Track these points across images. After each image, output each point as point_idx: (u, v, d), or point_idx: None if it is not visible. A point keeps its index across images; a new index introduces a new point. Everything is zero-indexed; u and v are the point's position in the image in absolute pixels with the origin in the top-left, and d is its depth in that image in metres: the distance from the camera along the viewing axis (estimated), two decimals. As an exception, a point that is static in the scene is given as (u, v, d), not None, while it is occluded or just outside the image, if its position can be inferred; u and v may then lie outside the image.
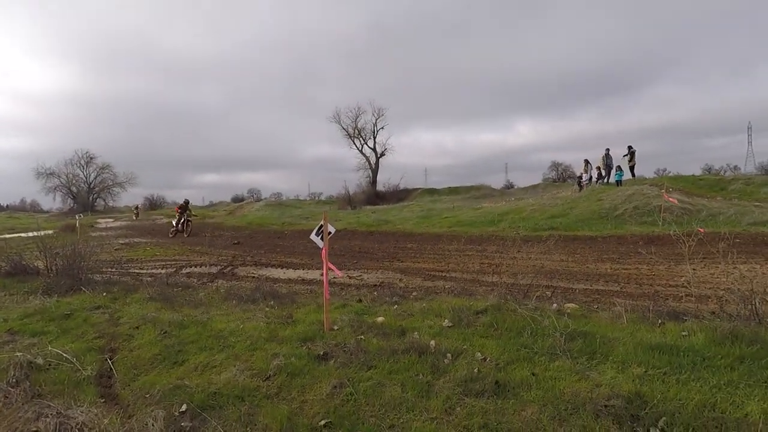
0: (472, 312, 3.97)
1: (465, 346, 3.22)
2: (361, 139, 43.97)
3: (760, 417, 2.05)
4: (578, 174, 22.72)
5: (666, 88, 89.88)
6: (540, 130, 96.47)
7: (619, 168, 19.58)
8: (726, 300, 3.78)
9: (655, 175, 35.68)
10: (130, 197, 57.65)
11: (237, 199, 55.75)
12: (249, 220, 24.58)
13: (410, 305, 4.60)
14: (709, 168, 43.52)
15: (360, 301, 5.08)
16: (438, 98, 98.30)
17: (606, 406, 2.23)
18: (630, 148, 19.88)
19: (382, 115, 43.17)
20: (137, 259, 10.53)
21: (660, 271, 6.52)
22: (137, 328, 4.22)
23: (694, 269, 5.91)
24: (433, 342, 3.27)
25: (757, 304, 3.48)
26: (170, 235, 18.74)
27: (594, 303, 4.79)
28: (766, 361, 2.66)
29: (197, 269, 8.73)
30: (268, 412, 2.56)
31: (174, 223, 19.32)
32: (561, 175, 45.51)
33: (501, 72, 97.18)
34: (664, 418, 2.12)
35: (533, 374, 2.72)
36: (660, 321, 3.60)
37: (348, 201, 33.26)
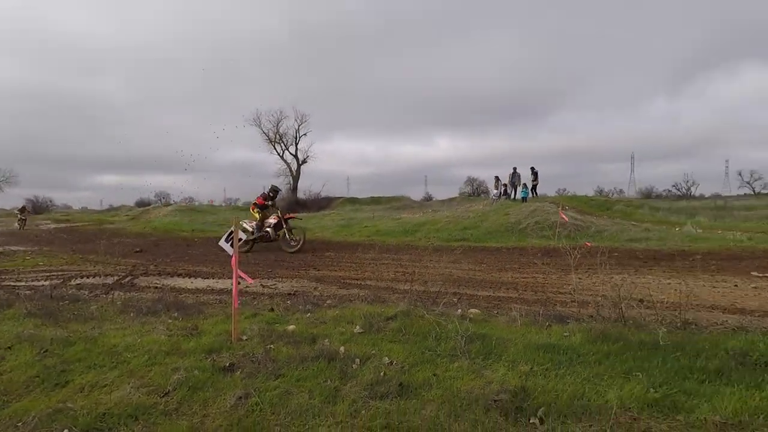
0: (383, 318, 4.10)
1: (373, 351, 3.32)
2: (282, 144, 42.99)
3: (616, 402, 2.39)
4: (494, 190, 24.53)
5: (568, 116, 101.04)
6: (459, 145, 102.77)
7: (525, 186, 21.45)
8: (601, 305, 4.31)
9: (557, 194, 39.64)
10: (7, 198, 50.55)
11: (142, 204, 51.37)
12: (155, 226, 22.81)
13: (323, 313, 4.62)
14: (601, 190, 49.64)
15: (272, 310, 4.99)
16: (362, 108, 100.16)
17: (495, 400, 2.45)
18: (533, 169, 21.94)
19: (305, 121, 42.63)
20: (13, 270, 9.24)
21: (553, 280, 7.23)
22: (10, 348, 3.72)
23: (579, 278, 6.64)
24: (342, 348, 3.33)
25: (623, 308, 4.05)
26: (241, 249, 11.41)
27: (494, 308, 5.19)
28: (626, 356, 3.11)
29: (89, 280, 7.90)
30: (166, 429, 2.43)
31: (250, 227, 11.77)
32: (476, 190, 48.58)
33: (424, 86, 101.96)
34: (542, 408, 2.38)
35: (435, 375, 2.89)
36: (548, 324, 4.03)
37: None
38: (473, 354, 3.21)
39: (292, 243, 11.65)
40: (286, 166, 43.14)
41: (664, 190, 50.66)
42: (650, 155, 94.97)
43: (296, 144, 43.12)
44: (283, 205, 36.11)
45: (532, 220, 15.35)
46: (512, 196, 21.96)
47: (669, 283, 6.75)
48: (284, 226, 11.82)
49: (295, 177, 43.07)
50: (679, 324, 4.10)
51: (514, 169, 21.98)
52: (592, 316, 4.32)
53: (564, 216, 14.10)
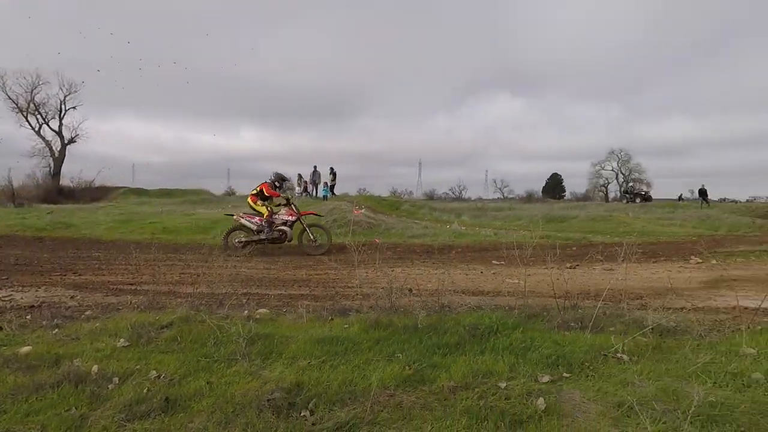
0: (157, 327, 3.68)
1: (138, 366, 2.94)
2: (39, 116, 34.42)
3: (377, 383, 2.71)
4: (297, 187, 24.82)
5: (368, 120, 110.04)
6: (265, 139, 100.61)
7: (326, 184, 22.45)
8: (379, 296, 4.82)
9: (358, 193, 42.76)
10: None
11: None
12: None
13: (78, 327, 3.86)
14: (395, 191, 55.88)
15: (0, 329, 3.90)
16: (156, 87, 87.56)
17: (269, 400, 2.47)
18: (332, 169, 23.21)
19: (75, 91, 35.19)
20: None
21: (343, 276, 7.73)
22: None
23: (366, 272, 7.28)
24: (96, 367, 2.84)
25: (395, 297, 4.62)
26: (228, 251, 9.24)
27: (284, 307, 5.22)
28: (392, 340, 3.56)
29: None
30: None
31: (252, 224, 9.86)
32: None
33: (230, 74, 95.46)
34: (314, 400, 2.52)
35: (209, 383, 2.74)
36: (331, 317, 4.28)
37: (11, 196, 25.16)
38: (254, 355, 3.17)
39: (315, 245, 10.11)
40: (44, 145, 34.69)
41: (443, 193, 60.90)
42: (434, 162, 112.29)
43: (60, 118, 35.15)
44: (41, 193, 28.84)
45: (331, 218, 16.12)
46: (313, 194, 22.70)
47: (435, 273, 8.02)
48: (302, 224, 10.24)
49: (58, 159, 35.06)
50: (437, 308, 4.89)
51: (315, 167, 22.82)
52: (372, 308, 4.79)
53: (359, 211, 15.31)
